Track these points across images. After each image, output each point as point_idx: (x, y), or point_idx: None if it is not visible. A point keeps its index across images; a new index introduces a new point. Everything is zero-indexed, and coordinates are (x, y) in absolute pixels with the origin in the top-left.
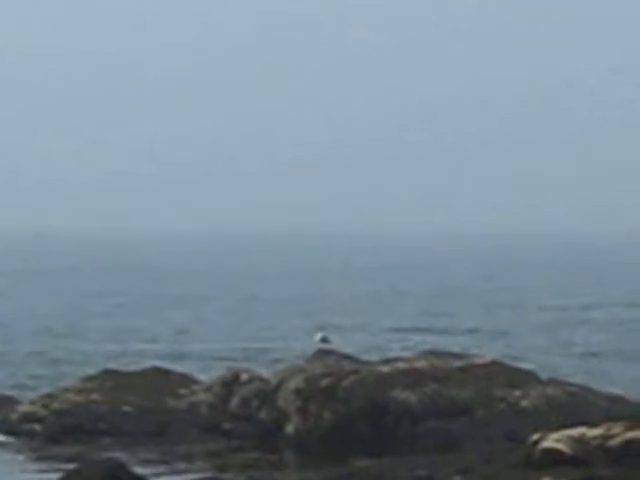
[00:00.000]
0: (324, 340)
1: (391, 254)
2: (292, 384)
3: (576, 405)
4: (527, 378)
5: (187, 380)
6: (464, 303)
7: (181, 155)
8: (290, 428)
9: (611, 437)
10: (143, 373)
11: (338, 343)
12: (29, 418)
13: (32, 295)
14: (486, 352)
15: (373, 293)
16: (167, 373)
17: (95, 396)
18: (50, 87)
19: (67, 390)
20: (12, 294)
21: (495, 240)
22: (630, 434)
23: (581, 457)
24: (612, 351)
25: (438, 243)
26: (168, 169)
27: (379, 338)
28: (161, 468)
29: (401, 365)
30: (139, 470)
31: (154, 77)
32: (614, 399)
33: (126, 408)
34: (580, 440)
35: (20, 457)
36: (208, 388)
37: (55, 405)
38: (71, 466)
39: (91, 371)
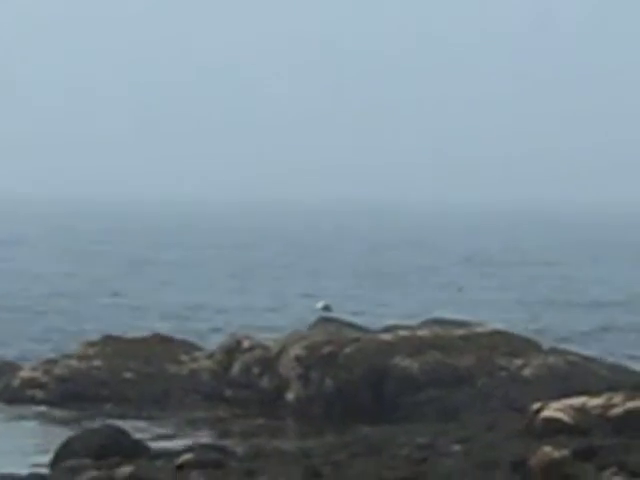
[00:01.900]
0: (326, 308)
1: None
2: (293, 351)
3: (577, 374)
4: (529, 347)
5: (189, 347)
6: None
7: None
8: (291, 395)
9: (612, 407)
10: (145, 340)
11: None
12: (31, 384)
13: None
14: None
15: None
16: (169, 340)
17: (96, 362)
18: None
19: (68, 356)
20: None
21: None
22: (631, 404)
23: (582, 426)
24: None
25: None
26: None
27: None
28: (162, 435)
29: (403, 333)
30: (140, 436)
31: None
32: (615, 368)
33: (127, 375)
34: (581, 410)
35: (22, 424)
36: (210, 355)
37: (56, 371)
38: (72, 432)
39: None
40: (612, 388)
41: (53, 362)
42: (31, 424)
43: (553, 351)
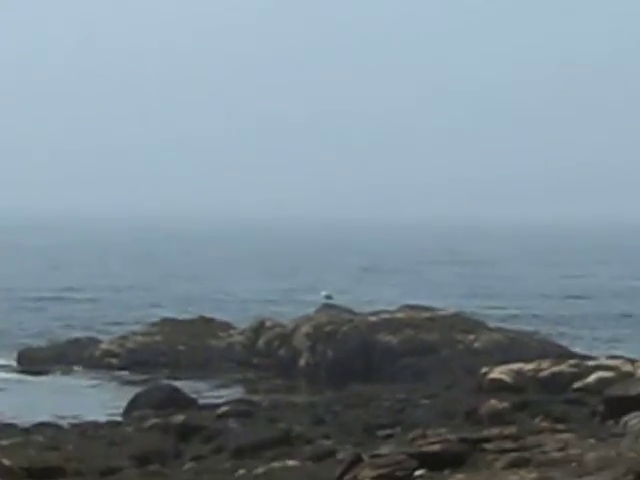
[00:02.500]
0: (328, 297)
1: None
2: (304, 329)
3: (515, 346)
4: (478, 326)
5: (226, 326)
6: None
7: None
8: (302, 362)
9: (541, 370)
10: (192, 321)
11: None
12: (108, 354)
13: None
14: None
15: None
16: (210, 321)
17: (157, 338)
18: None
19: (135, 333)
20: None
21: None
22: (555, 368)
23: (518, 385)
24: None
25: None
26: None
27: None
28: (206, 391)
29: (385, 315)
30: (189, 393)
31: None
32: (543, 342)
33: (180, 347)
34: (518, 372)
35: (101, 383)
36: (242, 332)
37: (127, 344)
38: (139, 390)
39: None
40: (541, 356)
41: (125, 338)
42: (108, 384)
43: (497, 329)
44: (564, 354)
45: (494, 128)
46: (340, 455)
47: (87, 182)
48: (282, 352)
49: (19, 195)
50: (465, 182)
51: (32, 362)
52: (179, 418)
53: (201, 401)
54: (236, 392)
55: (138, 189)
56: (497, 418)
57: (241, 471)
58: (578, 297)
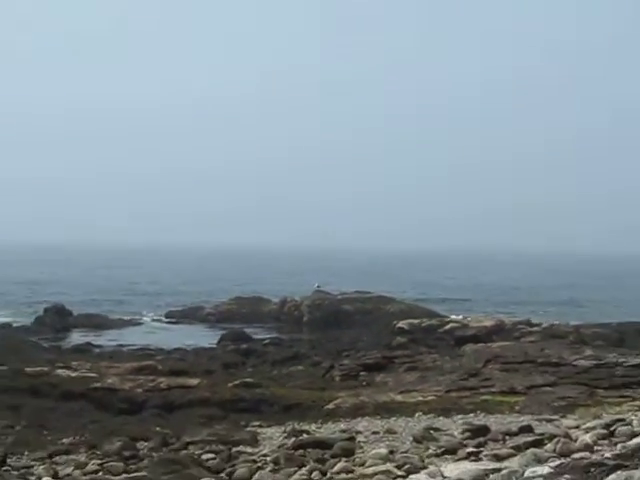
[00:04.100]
0: (319, 286)
1: None
2: (306, 302)
3: (410, 311)
4: (392, 301)
5: (266, 301)
6: None
7: None
8: (305, 318)
9: (422, 322)
10: (249, 298)
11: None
12: (209, 314)
13: None
14: None
15: None
16: (259, 298)
17: (234, 306)
18: None
19: (224, 303)
20: None
21: None
22: (430, 321)
23: (411, 330)
24: None
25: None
26: None
27: None
28: (258, 333)
29: (346, 295)
30: (251, 333)
31: None
32: (425, 309)
33: (244, 310)
34: (411, 324)
35: (204, 329)
36: (275, 303)
37: (219, 309)
38: (224, 332)
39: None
40: (423, 316)
41: (217, 306)
42: (210, 329)
43: (402, 302)
44: (434, 314)
45: None
46: (324, 364)
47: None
48: (295, 313)
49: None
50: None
51: (172, 317)
52: (244, 346)
53: (255, 337)
54: (272, 333)
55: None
56: (401, 346)
57: (275, 372)
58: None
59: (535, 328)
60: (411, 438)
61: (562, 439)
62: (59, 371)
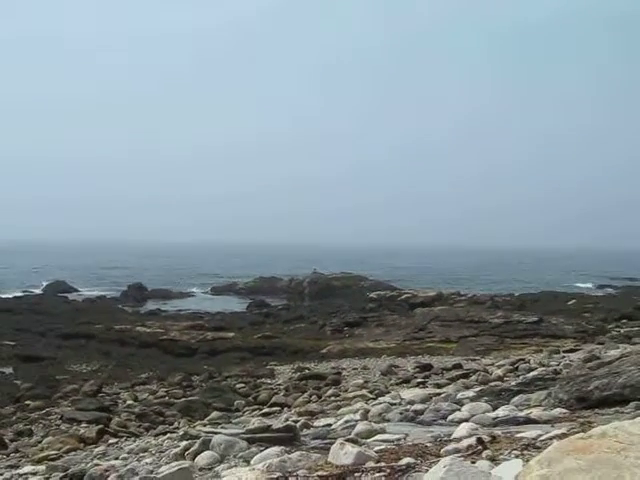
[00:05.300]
0: (315, 269)
1: None
2: (307, 280)
3: (379, 285)
4: (364, 279)
5: (279, 279)
6: None
7: None
8: (306, 291)
9: (387, 294)
10: (266, 278)
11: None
12: (242, 288)
13: None
14: None
15: None
16: (274, 277)
17: (257, 283)
18: None
19: (250, 281)
20: None
21: None
22: (392, 293)
23: (379, 299)
24: None
25: None
26: None
27: None
28: (273, 302)
29: (333, 275)
30: (268, 302)
31: None
32: (388, 284)
33: (264, 286)
34: (378, 295)
35: (238, 299)
36: (285, 281)
37: (247, 284)
38: (250, 301)
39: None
40: (387, 289)
41: (246, 282)
42: (240, 299)
43: (373, 279)
44: (395, 288)
45: None
46: (319, 322)
47: None
48: (299, 288)
49: None
50: None
51: (215, 291)
52: (264, 309)
53: (272, 304)
54: (284, 301)
55: None
56: (372, 310)
57: (285, 328)
58: None
59: (463, 297)
60: (379, 372)
61: (482, 373)
62: (138, 328)
